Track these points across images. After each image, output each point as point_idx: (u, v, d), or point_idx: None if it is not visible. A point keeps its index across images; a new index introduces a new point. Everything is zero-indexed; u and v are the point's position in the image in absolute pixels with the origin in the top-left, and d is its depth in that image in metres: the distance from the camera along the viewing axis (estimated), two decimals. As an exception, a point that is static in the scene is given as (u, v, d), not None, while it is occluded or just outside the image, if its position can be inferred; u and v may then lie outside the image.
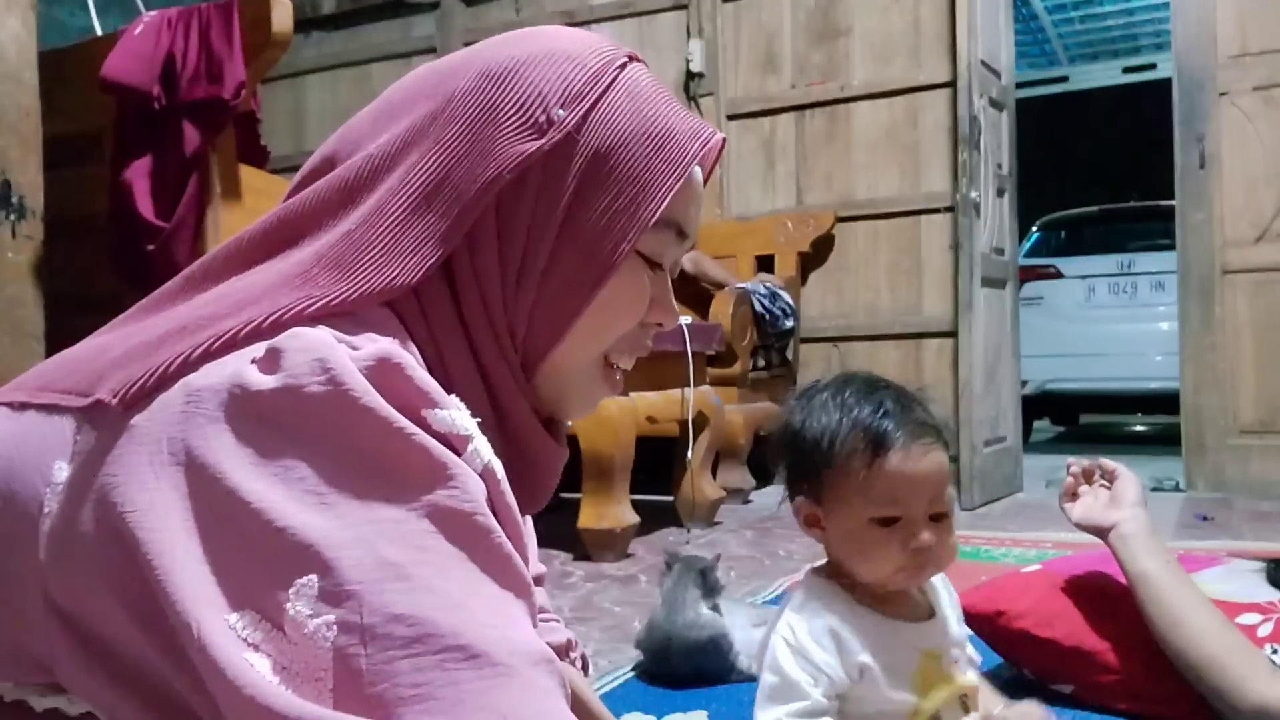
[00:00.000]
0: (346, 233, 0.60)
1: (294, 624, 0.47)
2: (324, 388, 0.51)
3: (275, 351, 0.52)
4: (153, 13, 2.29)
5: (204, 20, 2.20)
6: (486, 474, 0.55)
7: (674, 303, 0.73)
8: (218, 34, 2.17)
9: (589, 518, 2.41)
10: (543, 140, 0.62)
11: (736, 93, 4.25)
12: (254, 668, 0.47)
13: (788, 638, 0.92)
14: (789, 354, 3.93)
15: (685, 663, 1.45)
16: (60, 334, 1.71)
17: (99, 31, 2.79)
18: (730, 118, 4.24)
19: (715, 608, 1.50)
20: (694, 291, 3.72)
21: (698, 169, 0.70)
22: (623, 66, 0.67)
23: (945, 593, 1.01)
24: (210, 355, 0.55)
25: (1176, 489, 3.60)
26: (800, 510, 0.97)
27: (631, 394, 2.50)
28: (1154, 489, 3.65)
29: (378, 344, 0.54)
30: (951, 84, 3.79)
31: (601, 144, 0.64)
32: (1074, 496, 1.32)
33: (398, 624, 0.47)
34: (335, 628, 0.47)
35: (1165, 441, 4.82)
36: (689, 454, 2.77)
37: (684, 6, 4.30)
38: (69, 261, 2.11)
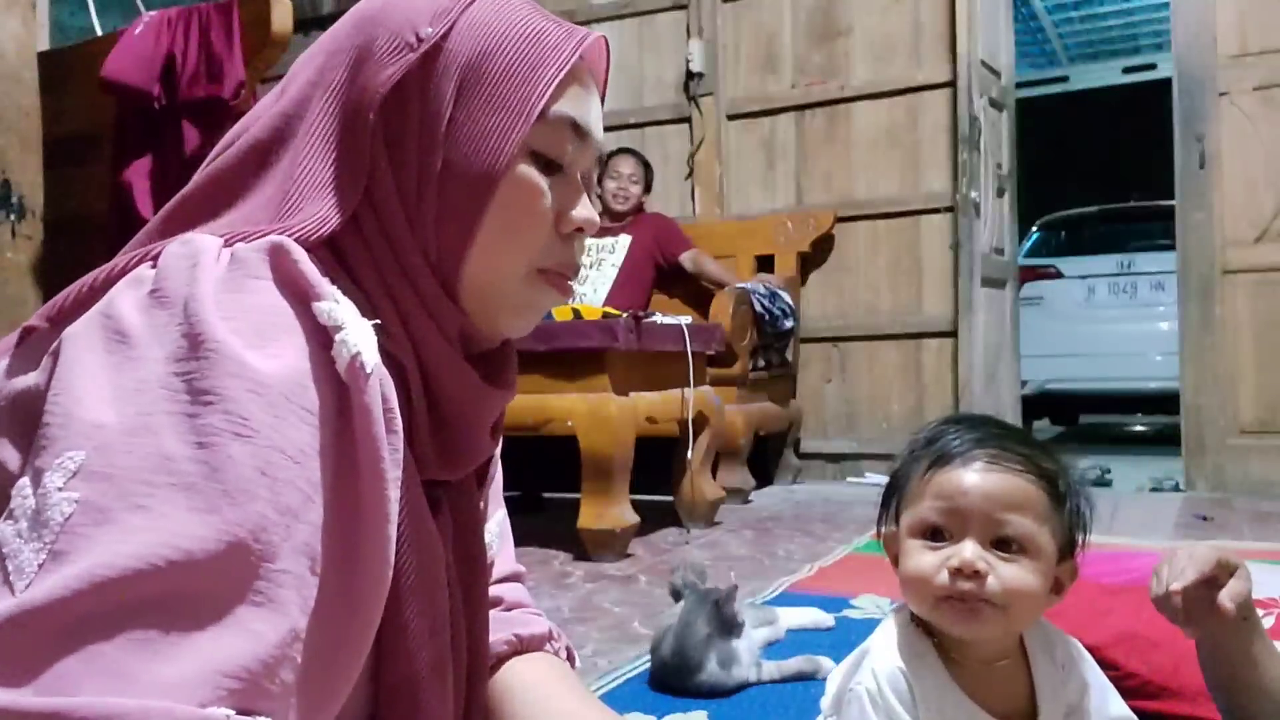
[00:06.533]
0: (267, 198, 0.63)
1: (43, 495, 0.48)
2: (187, 287, 0.53)
3: (160, 253, 0.56)
4: (153, 12, 2.29)
5: (204, 20, 2.20)
6: (353, 369, 0.55)
7: (590, 205, 0.73)
8: (218, 34, 2.17)
9: (589, 518, 2.41)
10: (413, 55, 0.64)
11: (736, 93, 4.24)
12: None
13: (871, 689, 0.83)
14: (789, 354, 3.92)
15: (687, 691, 1.43)
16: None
17: (99, 31, 2.79)
18: (730, 118, 4.24)
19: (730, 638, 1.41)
20: (694, 291, 3.73)
21: (588, 74, 0.71)
22: None
23: (1093, 686, 0.90)
24: (129, 270, 0.58)
25: (1176, 489, 3.60)
26: (885, 544, 0.89)
27: (631, 394, 2.50)
28: (1154, 489, 3.66)
29: (269, 237, 0.57)
30: (951, 84, 3.79)
31: (473, 50, 0.65)
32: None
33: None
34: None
35: (1165, 441, 4.81)
36: (689, 454, 2.77)
37: (684, 6, 4.30)
38: (69, 261, 2.10)
